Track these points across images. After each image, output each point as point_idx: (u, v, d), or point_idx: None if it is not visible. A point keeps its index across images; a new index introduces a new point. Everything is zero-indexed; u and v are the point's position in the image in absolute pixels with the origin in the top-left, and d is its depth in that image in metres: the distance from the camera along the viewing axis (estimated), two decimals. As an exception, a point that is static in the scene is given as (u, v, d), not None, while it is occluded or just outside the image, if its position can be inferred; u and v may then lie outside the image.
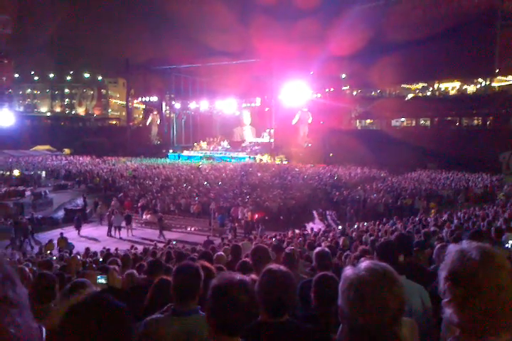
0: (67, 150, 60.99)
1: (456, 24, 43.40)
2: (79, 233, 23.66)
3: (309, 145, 50.83)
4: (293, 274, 2.60)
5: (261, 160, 48.73)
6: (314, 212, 27.21)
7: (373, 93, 58.15)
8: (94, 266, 9.26)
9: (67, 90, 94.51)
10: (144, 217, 26.29)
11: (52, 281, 3.69)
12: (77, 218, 24.28)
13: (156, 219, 24.25)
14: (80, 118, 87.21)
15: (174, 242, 19.12)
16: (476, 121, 46.66)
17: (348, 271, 1.60)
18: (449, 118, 47.62)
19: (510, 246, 6.91)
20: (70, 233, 23.08)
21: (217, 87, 56.82)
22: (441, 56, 44.57)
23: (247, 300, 1.95)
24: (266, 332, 2.41)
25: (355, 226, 19.00)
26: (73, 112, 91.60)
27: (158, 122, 63.40)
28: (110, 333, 1.32)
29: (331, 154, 46.40)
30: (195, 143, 57.39)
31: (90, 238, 22.90)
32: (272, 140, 52.83)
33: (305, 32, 52.03)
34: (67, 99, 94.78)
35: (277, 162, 47.66)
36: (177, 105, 59.41)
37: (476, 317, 1.43)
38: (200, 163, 46.84)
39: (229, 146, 55.15)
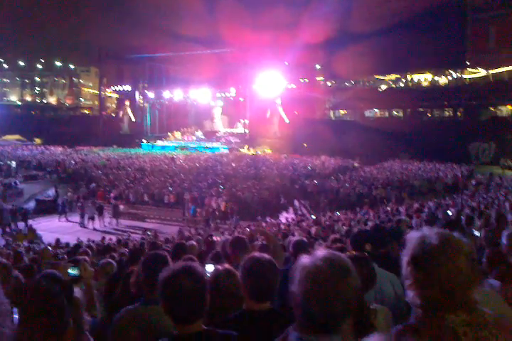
0: (38, 140, 59.88)
1: (428, 16, 43.80)
2: (65, 220, 24.57)
3: (278, 134, 50.95)
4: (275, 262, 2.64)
5: (236, 150, 48.61)
6: (288, 202, 27.37)
7: (347, 84, 58.41)
8: (65, 257, 9.18)
9: (37, 79, 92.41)
10: (117, 207, 26.12)
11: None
12: (61, 205, 24.99)
13: (113, 206, 24.46)
14: (51, 107, 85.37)
15: (149, 232, 19.08)
16: (447, 113, 47.35)
17: (305, 259, 1.62)
18: (421, 109, 48.18)
19: (476, 233, 7.10)
20: (41, 224, 22.86)
21: (192, 77, 56.29)
22: (414, 48, 44.92)
23: (192, 288, 1.98)
24: (250, 321, 2.45)
25: (328, 215, 19.20)
26: (44, 101, 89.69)
27: (131, 112, 62.54)
28: (44, 315, 1.42)
29: (304, 144, 46.57)
30: (169, 133, 56.93)
31: (62, 229, 22.65)
32: (247, 130, 52.79)
33: (277, 21, 51.87)
34: (37, 88, 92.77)
35: (251, 152, 47.62)
36: (150, 94, 58.71)
37: (436, 298, 1.49)
38: (174, 153, 46.58)
39: (203, 136, 54.88)
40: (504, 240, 3.38)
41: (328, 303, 1.52)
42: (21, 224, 22.01)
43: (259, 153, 47.43)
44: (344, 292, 1.54)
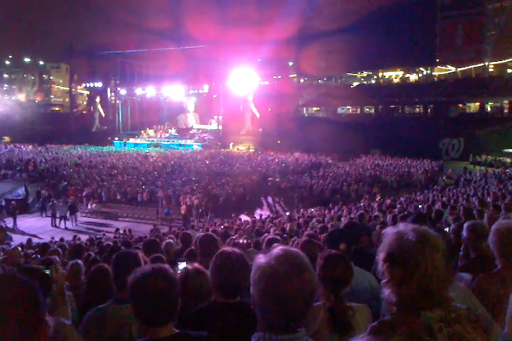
0: (7, 138, 58.57)
1: (399, 14, 44.40)
2: (43, 215, 24.92)
3: (251, 131, 51.09)
4: (246, 256, 2.63)
5: (218, 147, 48.45)
6: (262, 199, 27.44)
7: (320, 81, 58.83)
8: (38, 256, 9.01)
9: (6, 75, 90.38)
10: (89, 206, 25.76)
11: None
12: (42, 200, 25.44)
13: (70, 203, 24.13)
14: (20, 104, 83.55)
15: (121, 231, 18.87)
16: (417, 109, 48.07)
17: (260, 259, 1.59)
18: (393, 105, 48.79)
19: (448, 230, 7.21)
20: (12, 224, 22.46)
21: (164, 74, 55.82)
22: (385, 45, 45.46)
23: (162, 290, 1.94)
24: (219, 312, 2.43)
25: (302, 212, 19.29)
26: (13, 98, 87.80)
27: (102, 108, 61.64)
28: (16, 307, 1.36)
29: (278, 141, 46.74)
30: (142, 131, 56.33)
31: (34, 229, 22.23)
32: (220, 127, 52.68)
33: (249, 17, 51.79)
34: (6, 85, 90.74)
35: (227, 150, 47.58)
36: (122, 91, 57.98)
37: (412, 295, 1.49)
38: (147, 150, 46.17)
39: (177, 134, 54.51)
40: (464, 233, 3.44)
41: (285, 303, 1.50)
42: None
43: (239, 150, 47.47)
44: (300, 290, 1.52)
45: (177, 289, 2.02)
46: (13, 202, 24.46)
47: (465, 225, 3.49)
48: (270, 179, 29.23)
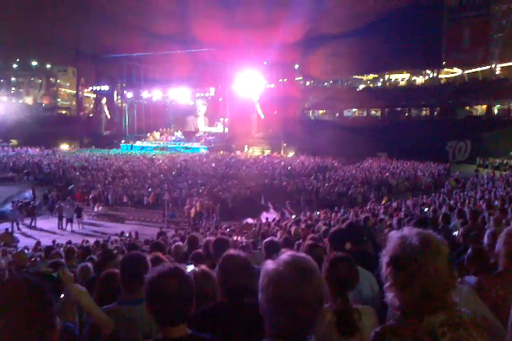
0: (14, 141, 58.85)
1: (405, 17, 44.31)
2: (52, 214, 25.40)
3: (257, 134, 51.14)
4: (251, 259, 2.65)
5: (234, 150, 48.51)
6: (269, 202, 27.41)
7: (326, 84, 58.77)
8: (38, 259, 9.04)
9: (13, 78, 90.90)
10: (96, 209, 25.84)
11: None
12: (50, 201, 26.35)
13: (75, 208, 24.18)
14: (27, 107, 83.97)
15: (127, 235, 18.89)
16: (424, 112, 47.89)
17: (268, 265, 1.59)
18: (399, 108, 48.62)
19: (456, 234, 7.17)
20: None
21: (170, 77, 55.94)
22: (391, 48, 45.33)
23: (179, 289, 1.97)
24: (224, 313, 2.46)
25: (308, 215, 19.27)
26: (20, 102, 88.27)
27: (108, 111, 61.81)
28: (28, 309, 1.40)
29: (284, 144, 46.72)
30: (149, 134, 56.46)
31: (41, 231, 22.35)
32: (227, 130, 52.70)
33: (255, 20, 51.99)
34: (13, 88, 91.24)
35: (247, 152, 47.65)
36: (129, 94, 58.13)
37: (415, 299, 1.49)
38: (154, 153, 46.25)
39: (183, 136, 54.58)
40: (485, 239, 3.48)
41: (294, 309, 1.49)
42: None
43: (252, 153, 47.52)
44: (309, 296, 1.51)
45: (192, 289, 2.05)
46: (31, 202, 25.70)
47: (487, 232, 3.54)
48: (267, 181, 29.16)
